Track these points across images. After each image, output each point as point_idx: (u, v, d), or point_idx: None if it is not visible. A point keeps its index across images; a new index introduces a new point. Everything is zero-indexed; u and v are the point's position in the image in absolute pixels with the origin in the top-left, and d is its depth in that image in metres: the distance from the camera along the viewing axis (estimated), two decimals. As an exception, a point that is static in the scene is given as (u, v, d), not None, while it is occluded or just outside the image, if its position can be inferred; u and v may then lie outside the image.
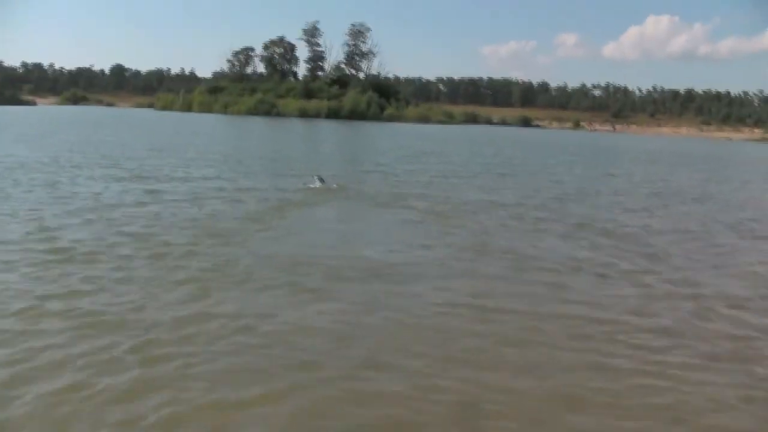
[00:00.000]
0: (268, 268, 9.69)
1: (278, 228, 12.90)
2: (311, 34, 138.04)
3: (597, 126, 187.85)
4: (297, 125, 77.55)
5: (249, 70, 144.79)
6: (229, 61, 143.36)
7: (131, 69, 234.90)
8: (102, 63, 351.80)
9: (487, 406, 5.77)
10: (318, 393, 5.83)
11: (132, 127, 52.14)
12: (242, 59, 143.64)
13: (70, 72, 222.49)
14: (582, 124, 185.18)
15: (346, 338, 7.12)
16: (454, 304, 8.46)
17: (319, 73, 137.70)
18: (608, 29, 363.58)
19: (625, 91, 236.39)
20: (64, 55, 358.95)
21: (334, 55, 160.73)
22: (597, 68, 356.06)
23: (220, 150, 32.50)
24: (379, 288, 9.02)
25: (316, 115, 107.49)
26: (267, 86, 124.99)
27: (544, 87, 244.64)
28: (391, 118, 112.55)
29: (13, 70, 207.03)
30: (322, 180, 18.85)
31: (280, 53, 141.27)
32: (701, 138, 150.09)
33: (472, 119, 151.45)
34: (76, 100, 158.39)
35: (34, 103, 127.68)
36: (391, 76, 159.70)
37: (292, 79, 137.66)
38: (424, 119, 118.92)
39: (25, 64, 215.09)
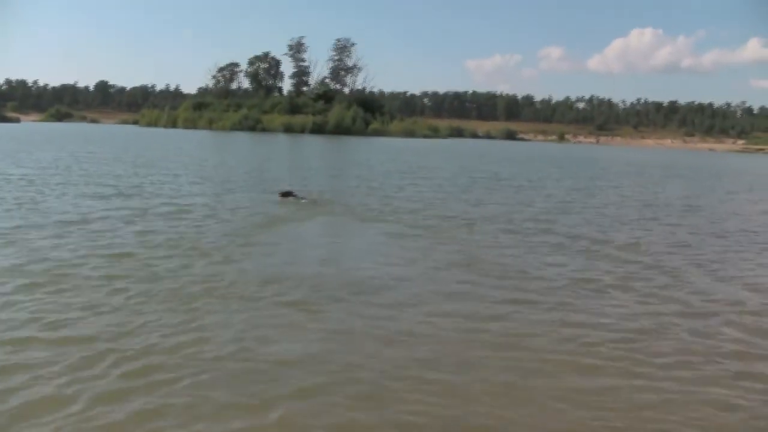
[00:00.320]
0: (255, 286, 9.49)
1: (265, 245, 12.72)
2: (296, 49, 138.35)
3: (581, 138, 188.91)
4: (282, 140, 77.42)
5: (234, 85, 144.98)
6: (214, 77, 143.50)
7: (116, 85, 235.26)
8: (86, 79, 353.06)
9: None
10: (310, 421, 5.66)
11: (116, 144, 51.73)
12: (227, 75, 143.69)
13: (54, 89, 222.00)
14: (566, 136, 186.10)
15: (335, 362, 6.92)
16: (443, 322, 8.28)
17: (304, 88, 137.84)
18: (592, 42, 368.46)
19: (609, 104, 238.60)
20: (48, 71, 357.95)
21: (319, 70, 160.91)
22: (581, 81, 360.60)
23: (205, 166, 32.23)
24: (369, 309, 8.80)
25: (301, 131, 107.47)
26: (252, 102, 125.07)
27: (528, 100, 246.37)
28: (376, 133, 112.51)
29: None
30: (293, 194, 18.77)
31: (265, 69, 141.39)
32: (685, 149, 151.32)
33: (457, 133, 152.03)
34: (60, 117, 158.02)
35: (18, 120, 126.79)
36: (376, 90, 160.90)
37: (277, 94, 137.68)
38: (409, 133, 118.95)
39: (8, 81, 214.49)
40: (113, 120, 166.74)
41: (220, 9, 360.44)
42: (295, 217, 16.35)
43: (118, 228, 13.55)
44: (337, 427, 5.57)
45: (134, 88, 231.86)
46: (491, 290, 9.98)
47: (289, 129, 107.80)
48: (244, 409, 5.77)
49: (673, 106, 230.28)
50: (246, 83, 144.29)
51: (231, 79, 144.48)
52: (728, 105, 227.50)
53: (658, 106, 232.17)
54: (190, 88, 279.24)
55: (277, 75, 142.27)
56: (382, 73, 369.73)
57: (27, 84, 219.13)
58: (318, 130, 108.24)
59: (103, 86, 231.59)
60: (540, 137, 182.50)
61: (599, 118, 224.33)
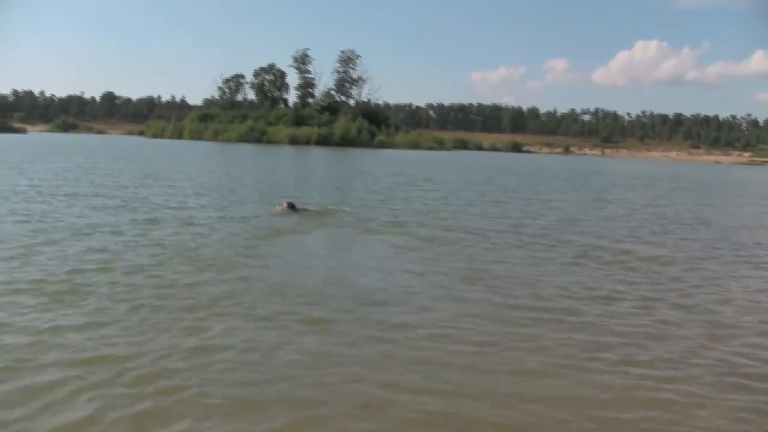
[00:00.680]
0: (266, 298, 9.44)
1: (271, 257, 12.64)
2: (302, 61, 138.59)
3: (587, 151, 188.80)
4: (287, 152, 77.52)
5: (239, 97, 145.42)
6: (219, 88, 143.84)
7: (122, 96, 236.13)
8: (93, 90, 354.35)
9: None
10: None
11: (123, 155, 51.77)
12: (233, 86, 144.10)
13: (61, 99, 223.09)
14: (572, 149, 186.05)
15: (343, 372, 6.82)
16: (450, 335, 8.17)
17: (310, 99, 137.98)
18: (597, 54, 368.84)
19: (614, 116, 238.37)
20: (54, 82, 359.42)
21: (325, 82, 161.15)
22: (586, 93, 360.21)
23: (210, 178, 32.20)
24: (377, 319, 8.73)
25: (307, 142, 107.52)
26: (257, 113, 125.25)
27: (533, 112, 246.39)
28: (382, 145, 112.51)
29: (3, 97, 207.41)
30: (296, 206, 18.67)
31: (271, 80, 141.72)
32: (690, 162, 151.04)
33: (462, 145, 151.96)
34: (66, 128, 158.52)
35: (24, 131, 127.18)
36: (381, 102, 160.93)
37: (282, 106, 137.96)
38: (414, 146, 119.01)
39: (15, 92, 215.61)
40: (119, 131, 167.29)
41: (226, 21, 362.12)
42: (300, 228, 16.25)
43: (126, 240, 13.47)
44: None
45: (140, 99, 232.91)
46: (500, 304, 9.85)
47: (294, 141, 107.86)
48: (252, 420, 5.72)
49: (679, 119, 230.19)
50: (251, 95, 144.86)
51: (236, 91, 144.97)
52: (733, 117, 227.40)
53: (663, 118, 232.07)
54: (195, 99, 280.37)
55: (283, 87, 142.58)
56: (387, 85, 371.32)
57: (34, 95, 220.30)
58: (323, 141, 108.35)
59: (109, 97, 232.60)
60: (545, 149, 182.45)
61: (604, 130, 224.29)
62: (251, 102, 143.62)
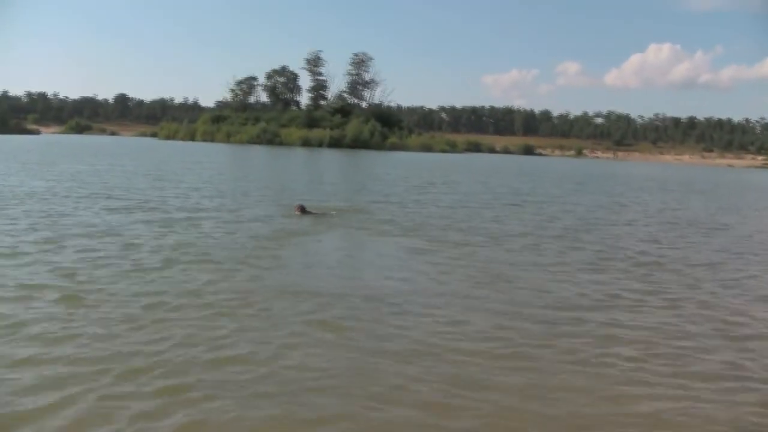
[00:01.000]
0: (278, 300, 9.43)
1: (286, 259, 12.62)
2: (314, 63, 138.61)
3: (599, 153, 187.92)
4: (300, 154, 77.58)
5: (252, 99, 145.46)
6: (232, 90, 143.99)
7: (135, 98, 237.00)
8: (106, 92, 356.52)
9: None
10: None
11: (136, 157, 51.93)
12: (245, 89, 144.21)
13: (74, 101, 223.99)
14: (584, 151, 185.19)
15: (356, 377, 6.76)
16: (466, 339, 8.09)
17: (322, 102, 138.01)
18: (610, 57, 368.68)
19: (627, 119, 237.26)
20: (68, 84, 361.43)
21: (337, 84, 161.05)
22: (599, 96, 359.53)
23: (224, 180, 32.26)
24: (391, 323, 8.66)
25: (319, 145, 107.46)
26: (270, 115, 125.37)
27: (546, 115, 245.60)
28: (394, 147, 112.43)
29: (17, 99, 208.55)
30: (303, 208, 18.62)
31: (283, 83, 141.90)
32: (704, 165, 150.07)
33: (475, 148, 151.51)
34: (80, 129, 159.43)
35: (38, 133, 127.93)
36: (393, 105, 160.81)
37: (294, 108, 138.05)
38: (427, 148, 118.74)
39: (29, 94, 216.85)
40: (132, 132, 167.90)
41: (239, 23, 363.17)
42: (313, 230, 16.24)
43: (139, 241, 13.44)
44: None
45: (153, 101, 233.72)
46: (517, 307, 9.76)
47: (306, 143, 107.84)
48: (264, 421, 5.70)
49: (692, 122, 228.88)
50: (264, 97, 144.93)
51: (249, 93, 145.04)
52: (747, 121, 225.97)
53: (676, 121, 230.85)
54: (208, 101, 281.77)
55: (295, 89, 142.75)
56: (400, 87, 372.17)
57: (47, 97, 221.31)
58: (335, 144, 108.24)
59: (122, 99, 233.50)
60: (557, 152, 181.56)
61: (617, 133, 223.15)
62: (264, 104, 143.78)
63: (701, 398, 6.72)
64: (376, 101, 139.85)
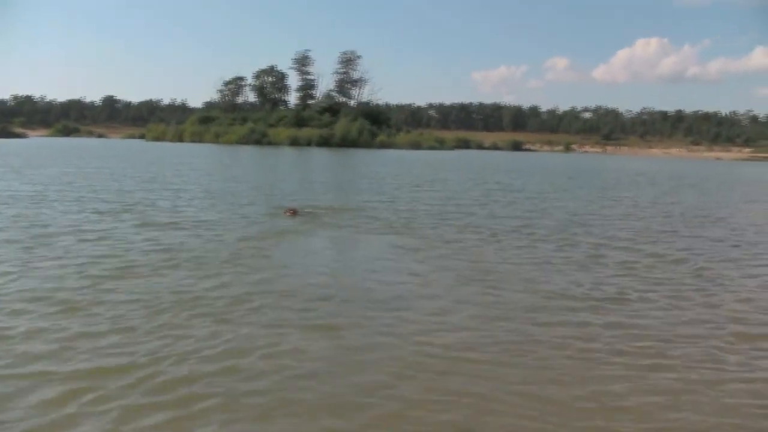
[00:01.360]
0: (275, 302, 9.32)
1: (277, 259, 12.47)
2: (302, 62, 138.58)
3: (588, 148, 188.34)
4: (289, 154, 77.30)
5: (240, 99, 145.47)
6: (220, 91, 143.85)
7: (122, 100, 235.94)
8: (93, 94, 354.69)
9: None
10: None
11: (124, 159, 51.55)
12: (233, 89, 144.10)
13: (61, 104, 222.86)
14: (573, 146, 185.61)
15: (355, 378, 6.64)
16: (459, 338, 7.97)
17: (310, 101, 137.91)
18: (598, 52, 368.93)
19: (615, 114, 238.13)
20: (55, 87, 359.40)
21: (325, 83, 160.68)
22: (587, 91, 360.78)
23: (212, 181, 32.02)
24: (386, 323, 8.54)
25: (308, 144, 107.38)
26: (258, 115, 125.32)
27: (534, 111, 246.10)
28: (383, 145, 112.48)
29: (3, 103, 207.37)
30: (295, 211, 18.50)
31: (271, 82, 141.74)
32: (692, 158, 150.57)
33: (464, 144, 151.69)
34: (67, 132, 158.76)
35: (25, 136, 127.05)
36: (382, 102, 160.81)
37: (282, 107, 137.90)
38: (416, 145, 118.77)
39: (16, 97, 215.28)
40: (120, 134, 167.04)
41: (226, 23, 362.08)
42: (305, 230, 16.08)
43: (131, 245, 13.25)
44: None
45: (141, 103, 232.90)
46: (513, 306, 9.64)
47: (295, 142, 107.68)
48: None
49: (680, 115, 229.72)
50: (252, 97, 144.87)
51: (237, 93, 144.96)
52: (734, 113, 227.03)
53: (664, 115, 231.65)
54: (196, 102, 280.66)
55: (283, 88, 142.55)
56: (389, 85, 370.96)
57: (34, 99, 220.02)
58: (324, 143, 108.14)
59: (109, 101, 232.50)
60: (546, 148, 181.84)
61: (605, 128, 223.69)
62: (252, 104, 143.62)
63: (697, 392, 6.68)
64: (365, 99, 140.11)
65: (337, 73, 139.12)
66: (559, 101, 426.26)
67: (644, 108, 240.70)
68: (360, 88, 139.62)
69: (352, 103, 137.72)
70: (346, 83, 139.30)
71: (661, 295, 10.73)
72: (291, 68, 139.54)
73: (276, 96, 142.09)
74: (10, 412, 5.73)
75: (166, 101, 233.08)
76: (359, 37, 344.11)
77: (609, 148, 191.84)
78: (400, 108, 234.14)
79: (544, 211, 22.55)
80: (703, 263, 13.70)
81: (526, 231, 17.39)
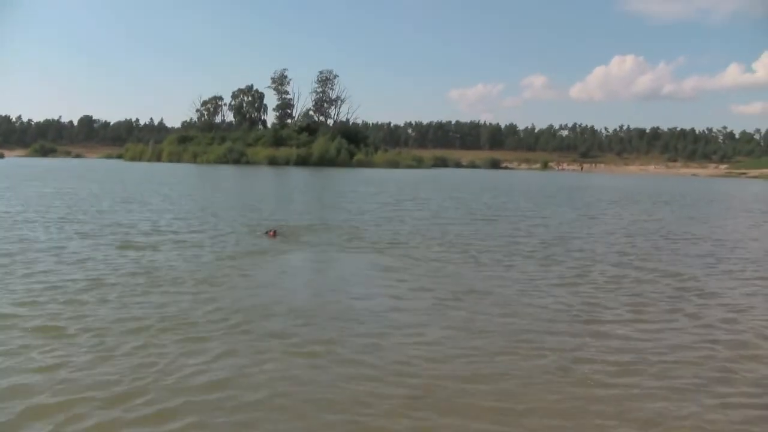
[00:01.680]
0: (254, 321, 9.17)
1: (256, 279, 12.25)
2: (280, 82, 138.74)
3: (565, 166, 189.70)
4: (267, 173, 77.16)
5: (218, 119, 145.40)
6: (198, 110, 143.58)
7: (100, 120, 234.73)
8: (70, 114, 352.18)
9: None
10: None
11: (101, 179, 51.06)
12: (211, 108, 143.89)
13: (38, 124, 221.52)
14: (550, 164, 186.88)
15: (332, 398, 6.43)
16: (437, 358, 7.79)
17: (288, 120, 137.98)
18: (575, 70, 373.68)
19: (592, 131, 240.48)
20: (32, 107, 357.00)
21: (303, 102, 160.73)
22: (564, 109, 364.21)
23: (191, 201, 31.67)
24: (364, 342, 8.35)
25: (286, 163, 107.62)
26: (236, 135, 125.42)
27: (512, 129, 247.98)
28: (361, 164, 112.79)
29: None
30: (275, 233, 18.26)
31: (249, 102, 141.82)
32: (669, 175, 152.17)
33: (442, 163, 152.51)
34: (44, 152, 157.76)
35: (1, 156, 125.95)
36: (359, 121, 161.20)
37: (261, 127, 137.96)
38: (394, 164, 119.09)
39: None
40: (97, 154, 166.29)
41: (204, 43, 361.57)
42: (284, 250, 15.89)
43: (109, 267, 12.96)
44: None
45: (118, 123, 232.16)
46: (490, 324, 9.53)
47: (273, 161, 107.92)
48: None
49: (656, 132, 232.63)
50: (230, 116, 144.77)
51: (215, 113, 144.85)
52: (710, 130, 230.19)
53: (640, 132, 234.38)
54: (174, 122, 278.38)
55: (261, 108, 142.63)
56: (366, 104, 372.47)
57: (10, 119, 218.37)
58: (302, 162, 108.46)
59: (87, 121, 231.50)
60: (524, 165, 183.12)
61: (582, 145, 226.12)
62: (230, 123, 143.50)
63: (687, 408, 6.53)
64: (343, 118, 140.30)
65: (315, 92, 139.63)
66: (537, 119, 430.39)
67: (621, 126, 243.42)
68: (338, 107, 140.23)
69: (330, 122, 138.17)
70: (324, 102, 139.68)
71: (643, 311, 10.64)
72: (269, 87, 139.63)
73: (254, 115, 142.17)
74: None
75: (143, 121, 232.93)
76: (337, 56, 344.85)
77: (586, 165, 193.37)
78: (378, 127, 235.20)
79: (527, 230, 22.43)
80: (689, 278, 13.66)
81: (506, 250, 17.25)
